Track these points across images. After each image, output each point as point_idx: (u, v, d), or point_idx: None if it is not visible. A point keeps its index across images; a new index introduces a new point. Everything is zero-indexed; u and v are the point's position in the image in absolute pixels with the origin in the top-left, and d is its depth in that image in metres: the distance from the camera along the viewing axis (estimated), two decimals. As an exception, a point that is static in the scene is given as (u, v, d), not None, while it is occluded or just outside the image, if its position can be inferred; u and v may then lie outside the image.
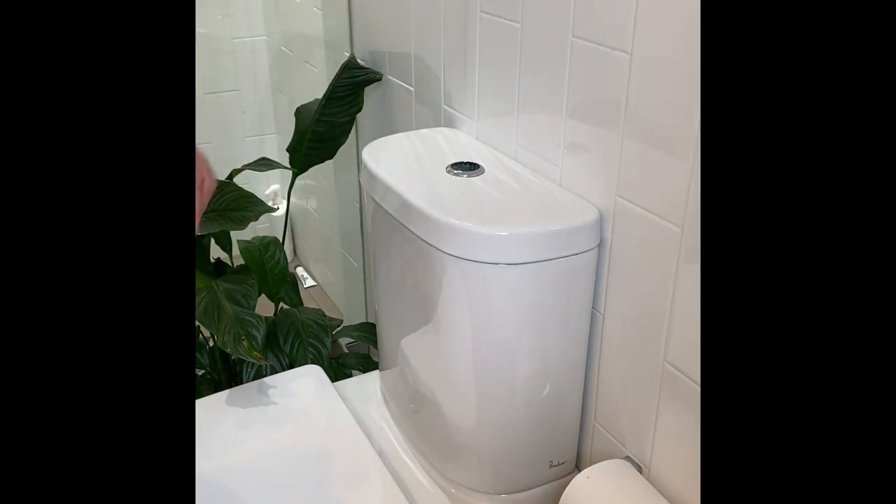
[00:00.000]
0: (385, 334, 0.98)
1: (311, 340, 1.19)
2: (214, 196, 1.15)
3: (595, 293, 0.78)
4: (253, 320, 1.02)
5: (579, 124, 0.76)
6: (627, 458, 0.79)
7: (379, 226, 0.88)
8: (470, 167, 0.83)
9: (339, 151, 1.32)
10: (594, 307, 0.79)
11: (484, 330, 0.76)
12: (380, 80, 1.23)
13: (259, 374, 1.20)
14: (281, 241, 1.28)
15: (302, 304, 1.33)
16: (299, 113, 1.31)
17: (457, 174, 0.83)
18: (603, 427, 0.84)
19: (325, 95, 1.24)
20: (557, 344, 0.78)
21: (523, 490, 0.86)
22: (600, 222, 0.75)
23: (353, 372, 1.27)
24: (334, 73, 1.25)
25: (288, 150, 1.31)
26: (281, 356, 1.20)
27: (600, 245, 0.76)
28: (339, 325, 1.36)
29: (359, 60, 1.29)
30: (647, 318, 0.72)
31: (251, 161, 1.31)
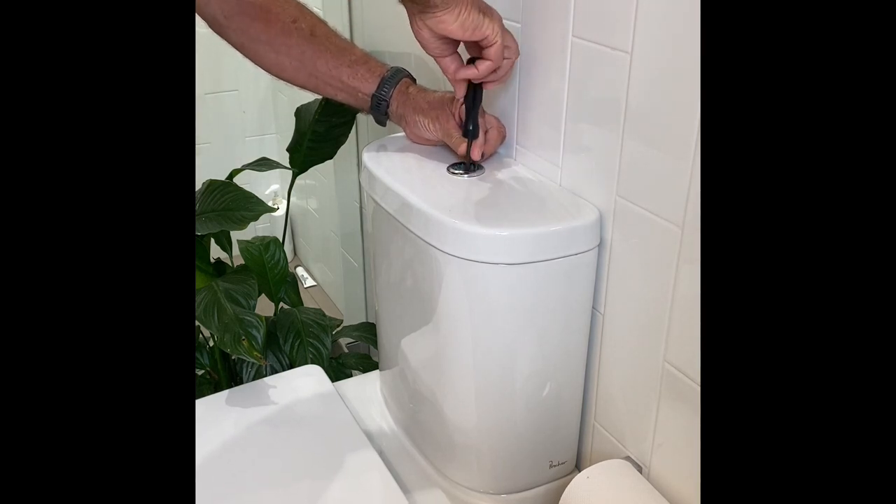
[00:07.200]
0: (385, 334, 0.98)
1: (311, 340, 1.18)
2: (215, 195, 1.14)
3: (595, 293, 0.78)
4: (253, 320, 1.02)
5: (579, 124, 0.76)
6: (627, 458, 0.79)
7: (379, 226, 0.88)
8: (470, 167, 0.83)
9: (339, 151, 1.32)
10: (594, 307, 0.79)
11: (484, 330, 0.76)
12: (380, 79, 1.23)
13: (259, 374, 1.20)
14: (281, 241, 1.28)
15: (302, 304, 1.33)
16: (299, 113, 1.31)
17: (457, 174, 0.83)
18: (603, 427, 0.84)
19: (325, 95, 1.24)
20: (557, 344, 0.78)
21: (523, 490, 0.86)
22: (600, 222, 0.75)
23: (353, 372, 1.27)
24: (334, 73, 1.25)
25: (288, 150, 1.30)
26: (281, 356, 1.20)
27: (600, 245, 0.76)
28: (339, 325, 1.36)
29: (359, 60, 1.29)
30: (647, 318, 0.72)
31: (251, 161, 1.31)
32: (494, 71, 0.76)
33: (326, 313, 1.26)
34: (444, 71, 0.79)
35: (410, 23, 0.75)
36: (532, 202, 0.78)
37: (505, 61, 0.77)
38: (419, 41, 0.76)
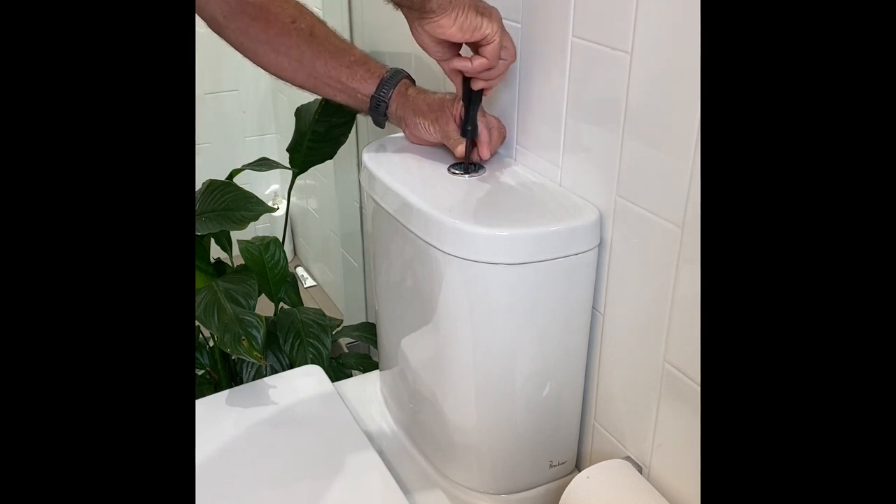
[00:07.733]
0: (385, 334, 0.98)
1: (311, 340, 1.18)
2: (215, 196, 1.15)
3: (595, 293, 0.78)
4: (253, 320, 1.02)
5: (579, 124, 0.76)
6: (627, 458, 0.79)
7: (379, 226, 0.88)
8: (470, 167, 0.83)
9: (339, 151, 1.32)
10: (594, 307, 0.79)
11: (484, 330, 0.76)
12: (380, 79, 1.23)
13: (259, 374, 1.20)
14: (281, 241, 1.28)
15: (302, 304, 1.33)
16: (299, 113, 1.30)
17: (457, 174, 0.83)
18: (603, 427, 0.84)
19: (325, 95, 1.24)
20: (557, 344, 0.78)
21: (523, 490, 0.86)
22: (600, 222, 0.75)
23: (353, 372, 1.27)
24: (334, 74, 1.25)
25: (288, 150, 1.30)
26: (281, 356, 1.20)
27: (600, 245, 0.76)
28: (339, 325, 1.36)
29: (359, 60, 1.29)
30: (647, 318, 0.72)
31: (251, 161, 1.31)
32: (489, 70, 0.76)
33: (326, 313, 1.26)
34: (448, 74, 0.79)
35: (411, 29, 0.75)
36: (532, 202, 0.78)
37: (501, 62, 0.77)
38: (421, 46, 0.76)
